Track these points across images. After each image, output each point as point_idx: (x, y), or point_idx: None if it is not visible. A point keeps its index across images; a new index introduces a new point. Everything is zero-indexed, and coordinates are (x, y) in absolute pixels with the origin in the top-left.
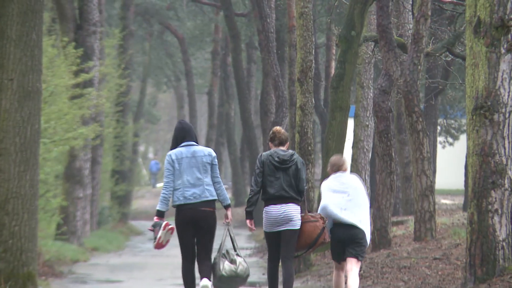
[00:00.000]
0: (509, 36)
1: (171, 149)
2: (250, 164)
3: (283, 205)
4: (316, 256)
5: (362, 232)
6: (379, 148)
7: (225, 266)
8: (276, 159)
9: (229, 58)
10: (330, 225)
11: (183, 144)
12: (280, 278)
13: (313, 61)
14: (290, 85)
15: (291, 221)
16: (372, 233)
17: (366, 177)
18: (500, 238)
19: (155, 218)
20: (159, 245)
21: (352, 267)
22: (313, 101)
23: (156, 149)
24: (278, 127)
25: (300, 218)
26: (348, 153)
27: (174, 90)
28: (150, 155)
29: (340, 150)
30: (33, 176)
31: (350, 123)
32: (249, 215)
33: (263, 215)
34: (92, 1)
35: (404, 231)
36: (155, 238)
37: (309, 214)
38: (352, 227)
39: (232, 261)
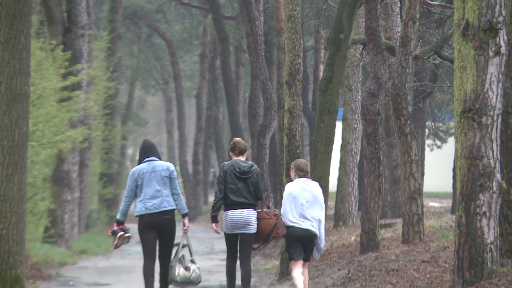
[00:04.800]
0: (497, 39)
1: (138, 164)
2: None
3: (242, 210)
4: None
5: (315, 236)
6: (367, 151)
7: (180, 273)
8: (237, 169)
9: (217, 61)
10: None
11: (145, 160)
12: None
13: (302, 64)
14: (278, 88)
15: (249, 225)
16: (360, 236)
17: (354, 180)
18: (488, 241)
19: (115, 226)
20: (117, 247)
21: (304, 269)
22: (302, 104)
23: None
24: (237, 138)
25: (256, 223)
26: (337, 156)
27: (162, 93)
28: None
29: (328, 153)
30: (21, 179)
31: (339, 126)
32: (214, 219)
33: (224, 218)
34: (80, 4)
35: (392, 233)
36: (113, 243)
37: (265, 211)
38: (307, 231)
39: (187, 268)
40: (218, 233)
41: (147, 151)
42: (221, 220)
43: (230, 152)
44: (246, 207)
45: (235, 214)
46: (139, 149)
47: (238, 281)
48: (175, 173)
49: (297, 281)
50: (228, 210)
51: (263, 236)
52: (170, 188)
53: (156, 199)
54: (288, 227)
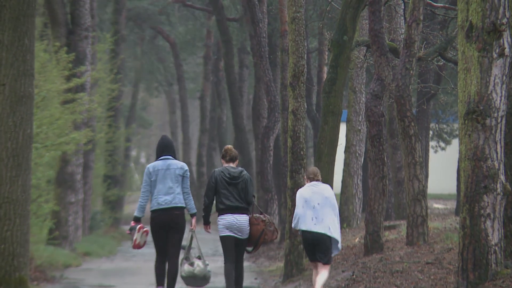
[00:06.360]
0: (501, 40)
1: (156, 160)
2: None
3: (235, 214)
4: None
5: (329, 239)
6: (371, 152)
7: (185, 268)
8: (227, 175)
9: (221, 63)
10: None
11: (161, 157)
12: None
13: (305, 66)
14: (282, 90)
15: (242, 231)
16: (365, 238)
17: (359, 182)
18: (493, 243)
19: (132, 223)
20: (137, 246)
21: (322, 269)
22: (305, 106)
23: (148, 154)
24: (229, 146)
25: (248, 228)
26: (341, 157)
27: (166, 95)
28: (142, 160)
29: (332, 155)
30: (25, 181)
31: (343, 127)
32: (206, 221)
33: (218, 222)
34: (84, 6)
35: (397, 235)
36: (132, 239)
37: (254, 217)
38: (320, 234)
39: (191, 264)
40: (209, 232)
41: (164, 149)
42: (215, 224)
43: (222, 159)
44: (239, 212)
45: (230, 218)
46: (157, 144)
47: None
48: (188, 173)
49: (314, 282)
50: (222, 214)
51: (253, 240)
52: (182, 187)
53: (168, 195)
54: (302, 231)
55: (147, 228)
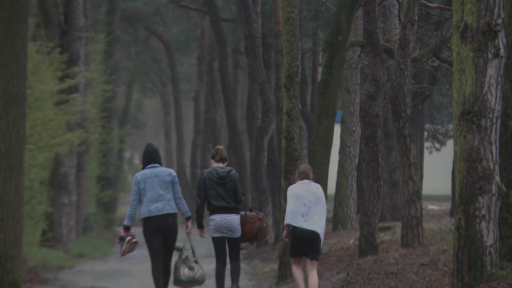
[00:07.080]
0: (496, 41)
1: (142, 168)
2: (236, 170)
3: (225, 214)
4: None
5: (319, 236)
6: (366, 153)
7: (185, 272)
8: (216, 175)
9: (215, 64)
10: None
11: (148, 166)
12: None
13: (300, 67)
14: (276, 91)
15: (233, 231)
16: (359, 239)
17: (353, 183)
18: (488, 244)
19: (122, 232)
20: (125, 253)
21: (312, 267)
22: (300, 107)
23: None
24: (220, 146)
25: (240, 227)
26: (335, 158)
27: (160, 96)
28: (136, 161)
29: (327, 156)
30: (18, 182)
31: (337, 128)
32: (199, 225)
33: (210, 223)
34: (78, 7)
35: (391, 237)
36: (121, 249)
37: (249, 216)
38: (310, 231)
39: (191, 268)
40: (203, 237)
41: (150, 157)
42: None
43: (212, 159)
44: (229, 212)
45: (219, 218)
46: (142, 153)
47: (228, 283)
48: (177, 179)
49: (296, 277)
50: (212, 214)
51: (248, 238)
52: (173, 192)
53: (159, 202)
54: (292, 227)
55: (136, 239)
